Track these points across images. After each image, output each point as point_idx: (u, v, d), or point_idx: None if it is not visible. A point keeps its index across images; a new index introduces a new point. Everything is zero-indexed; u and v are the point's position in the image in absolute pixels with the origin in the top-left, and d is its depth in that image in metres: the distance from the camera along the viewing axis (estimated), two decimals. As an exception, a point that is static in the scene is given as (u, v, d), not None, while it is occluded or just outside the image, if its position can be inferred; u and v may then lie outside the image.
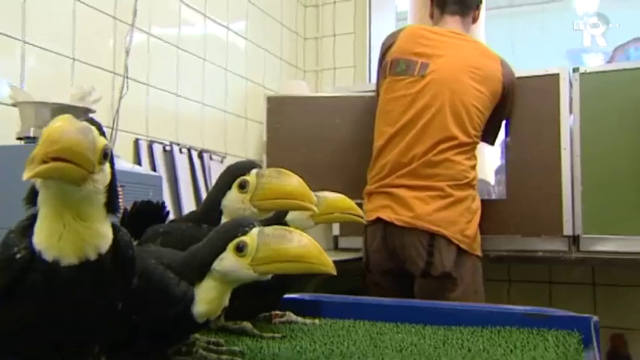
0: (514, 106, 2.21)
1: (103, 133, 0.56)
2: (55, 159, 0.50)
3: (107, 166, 0.57)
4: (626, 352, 2.50)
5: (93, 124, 0.55)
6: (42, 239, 0.56)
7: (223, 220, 0.88)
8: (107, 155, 0.56)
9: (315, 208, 0.88)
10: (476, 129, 2.00)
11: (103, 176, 0.56)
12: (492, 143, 2.26)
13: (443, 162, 1.94)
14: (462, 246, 1.88)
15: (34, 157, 0.50)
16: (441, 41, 2.08)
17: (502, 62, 2.10)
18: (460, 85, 1.98)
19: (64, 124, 0.52)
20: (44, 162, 0.50)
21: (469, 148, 1.99)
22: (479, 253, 1.96)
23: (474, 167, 2.01)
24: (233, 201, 0.88)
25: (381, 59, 2.20)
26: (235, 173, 0.89)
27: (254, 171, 0.89)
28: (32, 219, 0.57)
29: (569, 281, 2.69)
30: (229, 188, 0.89)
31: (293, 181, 0.87)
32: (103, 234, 0.58)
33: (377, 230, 1.97)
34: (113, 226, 0.60)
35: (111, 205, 0.59)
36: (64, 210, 0.55)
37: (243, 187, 0.87)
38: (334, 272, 0.71)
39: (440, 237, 1.87)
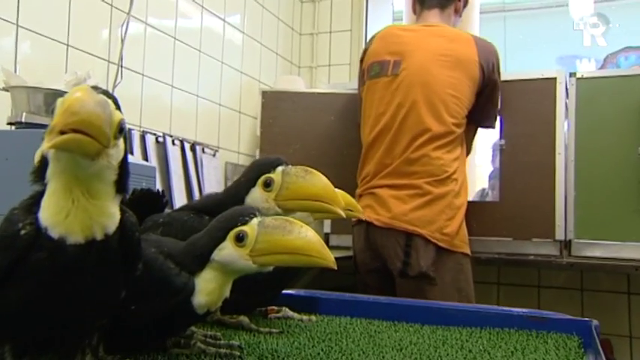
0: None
1: (119, 107, 0.55)
2: (73, 131, 0.49)
3: (121, 141, 0.55)
4: (612, 358, 2.51)
5: (109, 97, 0.53)
6: (49, 215, 0.54)
7: None
8: (123, 130, 0.55)
9: (342, 213, 0.84)
10: (454, 117, 1.95)
11: (117, 152, 0.55)
12: (493, 126, 2.19)
13: (421, 158, 1.92)
14: (442, 244, 1.86)
15: (54, 127, 0.49)
16: (413, 37, 2.06)
17: (477, 42, 2.04)
18: (431, 76, 1.96)
19: (83, 95, 0.50)
20: (62, 133, 0.49)
21: (449, 140, 1.94)
22: (465, 250, 1.93)
23: (456, 159, 1.96)
24: (257, 200, 0.84)
25: (360, 67, 2.20)
26: (260, 170, 0.85)
27: (280, 168, 0.85)
28: (38, 196, 0.55)
29: (558, 286, 2.70)
30: (254, 185, 0.85)
31: (320, 182, 0.83)
32: (111, 213, 0.57)
33: (361, 230, 1.97)
34: (120, 206, 0.59)
35: (121, 184, 0.57)
36: (74, 185, 0.54)
37: (268, 185, 0.84)
38: (334, 266, 0.69)
39: (417, 236, 1.85)
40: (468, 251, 1.95)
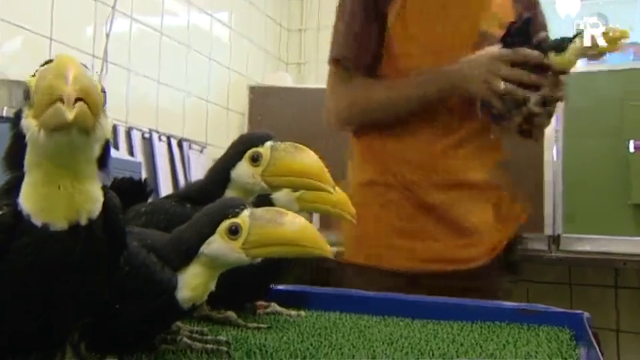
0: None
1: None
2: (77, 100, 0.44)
3: (106, 112, 0.51)
4: (601, 351, 2.52)
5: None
6: (32, 203, 0.50)
7: (229, 193, 0.82)
8: (106, 99, 0.50)
9: (332, 190, 0.81)
10: None
11: (107, 122, 0.50)
12: None
13: None
14: None
15: (69, 96, 0.44)
16: None
17: None
18: None
19: (71, 59, 0.46)
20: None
21: None
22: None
23: None
24: (243, 174, 0.81)
25: None
26: (248, 143, 0.81)
27: (268, 143, 0.81)
28: (15, 182, 0.52)
29: (547, 280, 2.71)
30: (240, 159, 0.82)
31: (310, 159, 0.80)
32: (95, 196, 0.53)
33: None
34: (102, 187, 0.55)
35: (103, 160, 0.53)
36: (61, 169, 0.50)
37: (255, 159, 0.80)
38: (330, 255, 0.67)
39: None
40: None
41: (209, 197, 0.75)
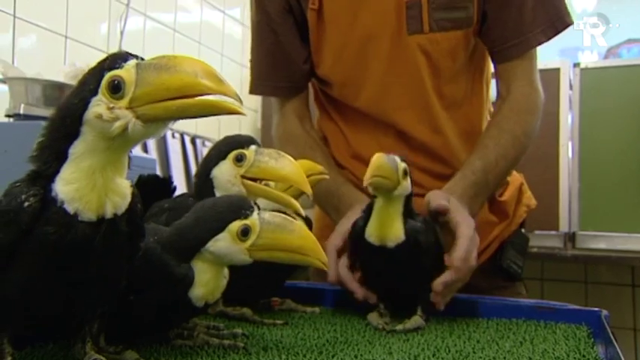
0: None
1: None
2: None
3: None
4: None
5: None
6: (71, 189, 0.52)
7: (217, 193, 0.83)
8: None
9: (309, 194, 0.84)
10: None
11: None
12: None
13: None
14: None
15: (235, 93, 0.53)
16: None
17: None
18: None
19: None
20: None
21: None
22: None
23: None
24: (224, 173, 0.83)
25: None
26: (233, 144, 0.84)
27: (253, 147, 0.83)
28: (47, 170, 0.53)
29: (562, 278, 2.68)
30: (223, 158, 0.84)
31: (290, 166, 0.82)
32: (125, 193, 0.55)
33: None
34: (132, 189, 0.58)
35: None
36: (107, 162, 0.53)
37: (239, 160, 0.82)
38: (327, 268, 0.72)
39: None
40: None
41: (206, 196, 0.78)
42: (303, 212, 0.85)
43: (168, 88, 0.51)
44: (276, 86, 1.33)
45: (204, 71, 0.53)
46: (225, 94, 0.54)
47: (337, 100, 1.32)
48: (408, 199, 0.92)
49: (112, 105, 0.51)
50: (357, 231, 0.94)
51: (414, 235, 0.90)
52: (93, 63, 0.54)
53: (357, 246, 0.95)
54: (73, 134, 0.52)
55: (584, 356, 0.75)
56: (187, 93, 0.52)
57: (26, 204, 0.51)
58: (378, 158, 0.88)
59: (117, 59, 0.52)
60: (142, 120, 0.51)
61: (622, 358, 0.69)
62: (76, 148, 0.52)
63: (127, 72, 0.51)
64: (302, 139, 1.32)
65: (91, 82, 0.52)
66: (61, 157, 0.52)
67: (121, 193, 0.55)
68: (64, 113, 0.53)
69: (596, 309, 0.93)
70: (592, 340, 0.85)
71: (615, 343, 0.74)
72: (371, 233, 0.91)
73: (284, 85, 1.32)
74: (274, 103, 1.38)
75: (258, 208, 0.69)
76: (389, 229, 0.90)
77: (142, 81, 0.51)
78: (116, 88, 0.51)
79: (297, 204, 0.84)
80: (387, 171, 0.88)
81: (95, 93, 0.51)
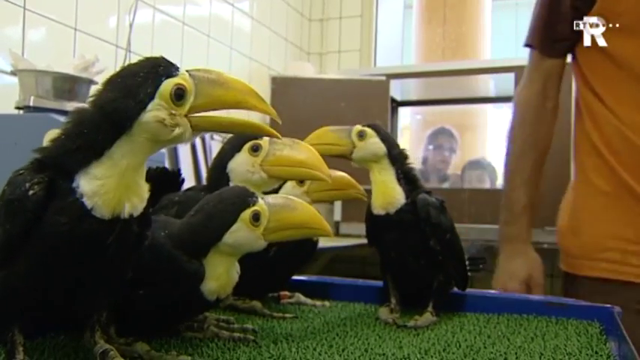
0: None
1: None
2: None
3: None
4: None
5: None
6: (98, 185, 0.52)
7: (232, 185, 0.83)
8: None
9: (328, 179, 0.83)
10: None
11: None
12: None
13: None
14: None
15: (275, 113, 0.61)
16: None
17: None
18: None
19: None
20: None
21: None
22: None
23: None
24: (242, 164, 0.83)
25: None
26: (247, 136, 0.84)
27: (266, 137, 0.84)
28: (61, 160, 0.53)
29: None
30: (238, 151, 0.84)
31: (307, 151, 0.83)
32: (144, 196, 0.56)
33: None
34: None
35: None
36: (139, 164, 0.54)
37: (255, 149, 0.83)
38: (332, 235, 0.75)
39: None
40: None
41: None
42: (329, 179, 0.85)
43: (223, 102, 0.57)
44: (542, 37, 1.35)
45: (250, 91, 0.59)
46: (266, 113, 0.61)
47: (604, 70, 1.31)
48: (403, 165, 0.93)
49: (173, 111, 0.53)
50: (368, 209, 0.96)
51: (413, 198, 0.92)
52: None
53: (369, 222, 0.97)
54: (118, 133, 0.52)
55: (596, 352, 0.74)
56: (237, 108, 0.58)
57: (31, 192, 0.51)
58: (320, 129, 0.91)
59: (170, 66, 0.55)
60: (193, 128, 0.55)
61: (636, 355, 0.69)
62: (119, 147, 0.52)
63: (186, 82, 0.55)
64: (534, 126, 1.47)
65: (148, 85, 0.53)
66: (96, 153, 0.52)
67: (140, 195, 0.55)
68: (111, 112, 0.52)
69: (608, 305, 0.92)
70: (604, 336, 0.84)
71: (629, 340, 0.73)
72: (375, 205, 0.94)
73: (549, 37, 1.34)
74: (528, 63, 1.41)
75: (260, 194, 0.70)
76: (388, 195, 0.92)
77: (200, 92, 0.55)
78: (180, 96, 0.54)
79: (326, 169, 0.83)
80: (326, 137, 0.91)
81: (152, 97, 0.53)
